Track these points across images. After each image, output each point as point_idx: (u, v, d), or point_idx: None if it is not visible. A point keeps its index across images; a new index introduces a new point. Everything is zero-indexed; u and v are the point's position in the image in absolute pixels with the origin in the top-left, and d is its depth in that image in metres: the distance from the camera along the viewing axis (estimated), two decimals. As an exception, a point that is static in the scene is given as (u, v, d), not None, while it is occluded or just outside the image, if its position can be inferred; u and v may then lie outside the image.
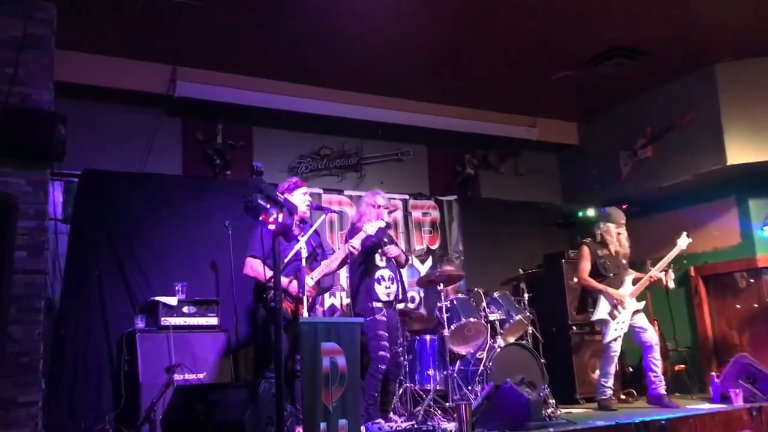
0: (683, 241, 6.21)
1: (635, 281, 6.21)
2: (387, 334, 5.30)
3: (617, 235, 6.33)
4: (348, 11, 5.78)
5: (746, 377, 6.01)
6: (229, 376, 5.68)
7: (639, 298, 6.20)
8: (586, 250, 6.34)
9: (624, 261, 6.34)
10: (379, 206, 5.54)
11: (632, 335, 6.16)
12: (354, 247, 5.17)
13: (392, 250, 5.58)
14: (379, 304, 5.37)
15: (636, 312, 6.12)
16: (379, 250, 5.55)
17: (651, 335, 6.10)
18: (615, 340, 6.07)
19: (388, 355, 5.25)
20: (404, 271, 5.93)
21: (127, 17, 5.66)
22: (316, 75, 6.98)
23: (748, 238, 7.57)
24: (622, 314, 6.06)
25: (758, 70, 7.12)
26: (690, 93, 7.49)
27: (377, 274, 5.49)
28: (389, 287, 5.49)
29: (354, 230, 5.49)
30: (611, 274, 6.21)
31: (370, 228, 5.20)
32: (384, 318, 5.34)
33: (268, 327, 4.80)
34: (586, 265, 6.28)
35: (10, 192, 3.36)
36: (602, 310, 6.14)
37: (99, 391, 5.52)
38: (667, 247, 6.27)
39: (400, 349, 5.63)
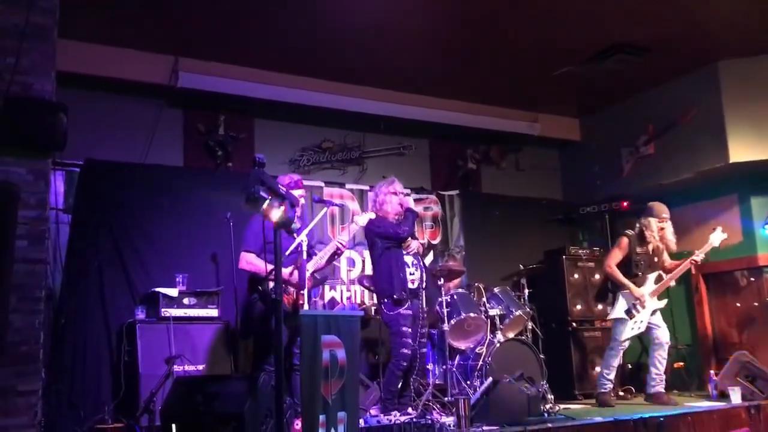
0: (716, 237, 6.11)
1: (658, 280, 6.13)
2: (411, 330, 5.17)
3: (659, 230, 6.14)
4: (351, 4, 5.77)
5: (745, 375, 6.02)
6: (229, 367, 5.69)
7: (660, 297, 6.13)
8: (625, 241, 6.18)
9: (657, 259, 6.18)
10: (400, 193, 5.40)
11: (644, 331, 6.11)
12: (342, 243, 5.06)
13: (413, 245, 5.44)
14: (405, 295, 5.20)
15: (655, 311, 6.08)
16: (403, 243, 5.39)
17: (663, 333, 6.06)
18: (628, 338, 6.03)
19: (409, 352, 5.13)
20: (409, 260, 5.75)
21: (130, 7, 5.65)
22: (319, 67, 6.97)
23: (749, 236, 7.56)
24: (641, 313, 6.02)
25: (762, 68, 7.11)
26: (693, 90, 7.47)
27: (402, 261, 5.32)
28: (413, 273, 5.37)
29: (374, 220, 5.35)
30: (640, 273, 6.11)
31: (361, 219, 5.17)
32: (409, 312, 5.20)
33: (264, 319, 4.80)
34: (617, 254, 6.16)
35: (11, 181, 3.35)
36: (620, 308, 6.08)
37: (98, 381, 5.54)
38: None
39: (424, 339, 5.47)
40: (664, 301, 6.14)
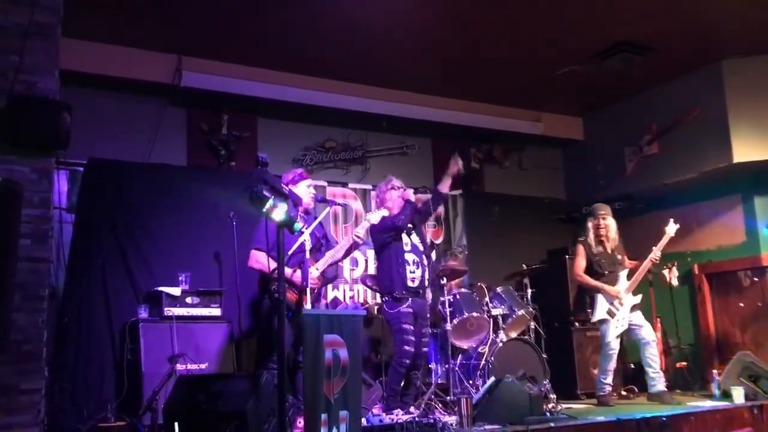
0: (671, 228, 6.20)
1: (630, 276, 6.18)
2: (413, 327, 5.18)
3: (596, 228, 6.27)
4: (354, 4, 5.77)
5: (748, 375, 6.01)
6: (232, 366, 5.70)
7: (636, 293, 6.14)
8: (580, 248, 6.32)
9: (620, 257, 6.28)
10: (399, 187, 5.46)
11: (629, 332, 6.13)
12: (359, 237, 5.11)
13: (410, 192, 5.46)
14: (407, 293, 5.22)
15: (634, 307, 6.10)
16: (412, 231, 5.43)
17: (647, 332, 6.08)
18: (615, 338, 6.06)
19: (412, 349, 5.15)
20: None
21: (133, 6, 5.66)
22: (322, 67, 6.97)
23: (753, 236, 7.55)
24: (621, 311, 6.04)
25: (766, 68, 7.10)
26: (697, 89, 7.46)
27: (402, 259, 5.32)
28: (414, 272, 5.34)
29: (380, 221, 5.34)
30: (606, 272, 6.16)
31: (374, 217, 5.17)
32: (410, 309, 5.20)
33: (272, 318, 4.81)
34: (580, 262, 6.26)
35: (14, 180, 3.35)
36: (601, 309, 6.11)
37: (101, 379, 5.54)
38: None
39: (426, 339, 5.45)
40: (639, 297, 6.16)
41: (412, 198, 5.50)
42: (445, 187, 5.68)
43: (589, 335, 7.30)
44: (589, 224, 6.37)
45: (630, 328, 6.08)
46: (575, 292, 7.14)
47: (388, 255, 5.32)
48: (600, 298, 6.14)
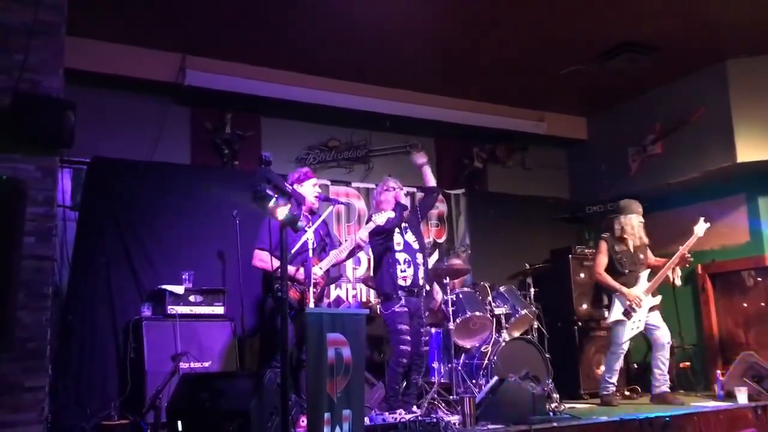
0: (700, 228, 6.09)
1: (650, 276, 6.12)
2: (408, 327, 5.21)
3: (641, 225, 6.18)
4: (358, 2, 5.77)
5: (752, 376, 6.00)
6: (235, 365, 5.71)
7: (653, 294, 6.09)
8: (603, 245, 6.21)
9: (642, 256, 6.21)
10: (393, 188, 5.50)
11: (644, 332, 6.09)
12: (362, 239, 5.14)
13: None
14: (400, 292, 5.25)
15: (652, 308, 6.05)
16: (403, 229, 5.48)
17: (663, 333, 6.03)
18: (629, 339, 6.02)
19: (409, 348, 5.18)
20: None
21: (137, 5, 5.67)
22: (326, 66, 6.97)
23: (756, 236, 7.53)
24: (639, 312, 5.99)
25: (770, 68, 7.08)
26: (701, 89, 7.44)
27: (393, 258, 5.36)
28: (405, 271, 5.36)
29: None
30: (627, 271, 6.09)
31: (380, 219, 5.18)
32: (404, 309, 5.23)
33: (275, 316, 4.82)
34: (602, 260, 6.17)
35: (19, 178, 3.36)
36: (617, 311, 6.04)
37: (105, 377, 5.55)
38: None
39: (425, 338, 5.47)
40: (659, 298, 6.11)
41: (402, 200, 5.54)
42: (427, 181, 5.76)
43: (592, 335, 7.31)
44: (623, 220, 6.21)
45: (647, 328, 6.03)
46: (593, 287, 7.07)
47: (381, 255, 5.40)
48: (617, 299, 6.06)
